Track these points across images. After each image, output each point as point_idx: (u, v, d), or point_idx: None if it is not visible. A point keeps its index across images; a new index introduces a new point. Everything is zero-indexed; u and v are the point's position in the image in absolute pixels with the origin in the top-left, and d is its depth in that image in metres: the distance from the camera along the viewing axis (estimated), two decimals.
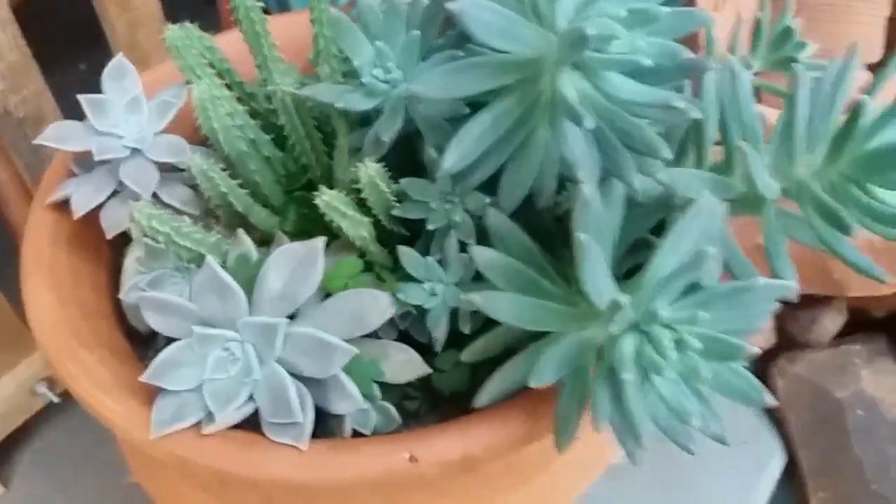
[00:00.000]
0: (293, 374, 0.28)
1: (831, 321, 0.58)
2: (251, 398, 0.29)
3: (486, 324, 0.32)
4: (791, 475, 0.60)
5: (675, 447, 0.62)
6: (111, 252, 0.38)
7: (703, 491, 0.58)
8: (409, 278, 0.31)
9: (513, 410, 0.29)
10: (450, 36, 0.32)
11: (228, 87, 0.38)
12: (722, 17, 0.59)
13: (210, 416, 0.28)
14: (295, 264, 0.29)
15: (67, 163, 0.38)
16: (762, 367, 0.62)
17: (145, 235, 0.32)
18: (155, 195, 0.35)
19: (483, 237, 0.30)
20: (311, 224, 0.37)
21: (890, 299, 0.58)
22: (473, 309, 0.31)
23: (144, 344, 0.36)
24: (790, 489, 0.61)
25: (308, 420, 0.28)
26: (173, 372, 0.28)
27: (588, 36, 0.22)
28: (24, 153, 0.47)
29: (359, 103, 0.30)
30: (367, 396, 0.30)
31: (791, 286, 0.26)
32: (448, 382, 0.32)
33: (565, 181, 0.33)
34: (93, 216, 0.36)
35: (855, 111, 0.25)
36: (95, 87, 0.36)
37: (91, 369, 0.30)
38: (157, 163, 0.35)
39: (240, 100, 0.39)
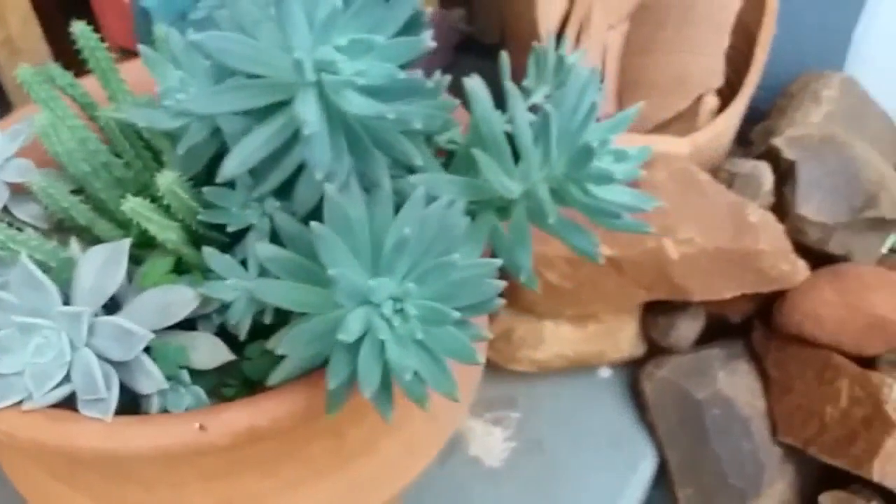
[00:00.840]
0: (103, 358, 0.33)
1: (687, 327, 0.62)
2: (68, 379, 0.33)
3: (293, 316, 0.37)
4: (664, 475, 0.64)
5: (553, 454, 0.66)
6: None
7: (577, 492, 0.62)
8: (217, 278, 0.36)
9: (298, 387, 0.33)
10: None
11: (91, 118, 0.44)
12: (588, 38, 0.65)
13: (30, 395, 0.32)
14: (102, 262, 0.33)
15: None
16: (635, 373, 0.67)
17: None
18: (8, 211, 0.39)
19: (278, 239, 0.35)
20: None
21: (742, 305, 0.63)
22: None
23: None
24: (663, 488, 0.64)
25: (112, 396, 0.32)
26: (0, 357, 0.33)
27: (301, 62, 0.28)
28: None
29: (162, 122, 0.35)
30: (175, 379, 0.35)
31: (494, 263, 0.30)
32: (256, 369, 0.37)
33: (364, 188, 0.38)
34: None
35: (542, 119, 0.30)
36: None
37: None
38: (9, 183, 0.39)
39: (102, 129, 0.44)
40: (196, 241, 0.37)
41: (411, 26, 0.33)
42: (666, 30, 0.67)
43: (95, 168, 0.41)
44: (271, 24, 0.31)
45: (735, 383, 0.61)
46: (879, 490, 0.55)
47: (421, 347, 0.29)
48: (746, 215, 0.57)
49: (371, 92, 0.31)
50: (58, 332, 0.33)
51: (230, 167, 0.33)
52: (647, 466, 0.64)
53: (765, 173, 0.61)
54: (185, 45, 0.36)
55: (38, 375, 0.32)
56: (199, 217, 0.36)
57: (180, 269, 0.36)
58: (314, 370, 0.34)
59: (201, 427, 0.32)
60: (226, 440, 0.32)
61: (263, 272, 0.36)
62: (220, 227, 0.38)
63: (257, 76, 0.32)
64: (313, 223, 0.29)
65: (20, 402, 0.33)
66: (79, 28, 0.41)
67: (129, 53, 0.63)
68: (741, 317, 0.64)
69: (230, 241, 0.38)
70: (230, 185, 0.36)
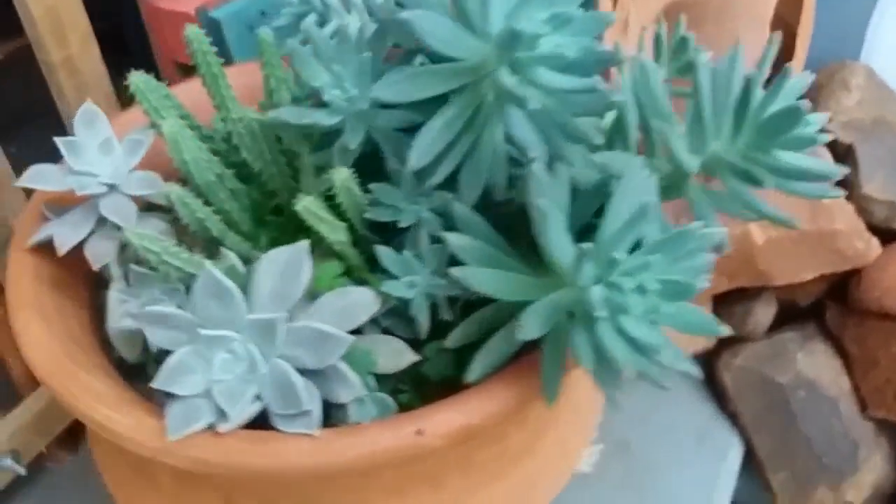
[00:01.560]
0: (297, 368, 0.30)
1: (763, 313, 0.63)
2: (258, 396, 0.30)
3: (464, 313, 0.35)
4: (751, 462, 0.64)
5: (641, 453, 0.65)
6: (88, 293, 0.40)
7: (669, 489, 0.61)
8: (387, 277, 0.34)
9: (500, 382, 0.32)
10: (396, 59, 0.36)
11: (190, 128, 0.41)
12: (627, 40, 0.66)
13: (223, 416, 0.30)
14: (282, 267, 0.31)
15: (40, 209, 0.39)
16: (709, 365, 0.67)
17: (136, 262, 0.34)
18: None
19: (448, 230, 0.33)
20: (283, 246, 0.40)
21: (812, 287, 0.64)
22: (452, 294, 0.34)
23: (131, 373, 0.37)
24: (751, 475, 0.64)
25: (316, 408, 0.30)
26: (182, 377, 0.30)
27: (521, 33, 0.27)
28: None
29: (324, 119, 0.33)
30: (364, 387, 0.33)
31: (722, 231, 0.29)
32: (435, 369, 0.35)
33: (513, 179, 0.37)
34: (69, 260, 0.38)
35: (746, 86, 0.30)
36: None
37: (93, 388, 0.31)
38: (132, 197, 0.37)
39: (205, 139, 0.42)
40: (358, 242, 0.35)
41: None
42: (706, 25, 0.69)
43: (218, 177, 0.39)
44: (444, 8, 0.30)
45: (815, 364, 0.62)
46: None
47: (655, 324, 0.28)
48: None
49: (567, 67, 0.30)
50: (245, 343, 0.30)
51: (416, 157, 0.31)
52: (734, 455, 0.63)
53: (825, 155, 0.62)
54: (337, 41, 0.34)
55: (228, 393, 0.30)
56: (366, 215, 0.34)
57: (351, 274, 0.34)
58: (503, 366, 0.33)
59: (418, 431, 0.30)
60: (442, 442, 0.30)
61: (439, 266, 0.34)
62: (377, 227, 0.36)
63: (440, 61, 0.31)
64: (539, 200, 0.28)
65: (210, 426, 0.30)
66: (192, 31, 0.39)
67: (186, 69, 0.61)
68: (810, 299, 0.65)
69: (384, 241, 0.36)
70: (392, 182, 0.35)
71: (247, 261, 0.36)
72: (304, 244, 0.32)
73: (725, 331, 0.30)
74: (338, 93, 0.34)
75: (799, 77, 0.34)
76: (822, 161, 0.33)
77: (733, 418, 0.64)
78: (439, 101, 0.32)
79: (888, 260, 0.59)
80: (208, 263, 0.30)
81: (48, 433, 0.55)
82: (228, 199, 0.39)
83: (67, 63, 0.51)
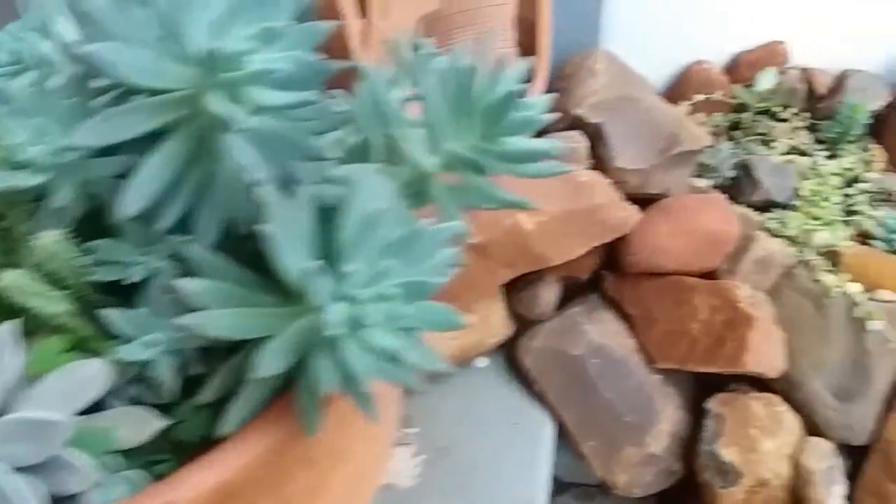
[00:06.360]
0: (14, 469, 0.26)
1: (548, 293, 0.66)
2: None
3: (218, 363, 0.32)
4: (563, 437, 0.66)
5: (461, 455, 0.64)
6: None
7: (495, 482, 0.62)
8: (123, 341, 0.31)
9: (255, 428, 0.30)
10: (109, 99, 0.32)
11: None
12: (371, 51, 0.66)
13: None
14: None
15: None
16: (511, 352, 0.69)
17: None
18: None
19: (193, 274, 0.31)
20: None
21: (587, 261, 0.68)
22: (204, 346, 0.31)
23: None
24: (565, 449, 0.67)
25: None
26: None
27: (221, 53, 0.25)
28: None
29: (26, 179, 0.29)
30: (105, 468, 0.29)
31: (459, 225, 0.29)
32: (192, 430, 0.32)
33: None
34: None
35: (465, 80, 0.30)
36: None
37: None
38: None
39: None
40: (87, 309, 0.31)
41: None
42: (458, 32, 0.71)
43: None
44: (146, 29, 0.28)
45: (603, 331, 0.66)
46: (749, 380, 0.63)
47: (401, 328, 0.28)
48: (576, 177, 0.62)
49: (284, 83, 0.28)
50: None
51: (130, 201, 0.28)
52: (547, 434, 0.65)
53: (579, 139, 0.66)
54: (34, 93, 0.30)
55: None
56: (93, 278, 0.31)
57: (81, 346, 0.30)
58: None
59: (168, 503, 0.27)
60: None
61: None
62: (109, 289, 0.32)
63: (146, 94, 0.28)
64: (267, 226, 0.26)
65: None
66: None
67: None
68: (589, 273, 0.69)
69: (120, 302, 0.33)
70: (114, 236, 0.31)
71: None
72: (6, 326, 0.27)
73: (465, 322, 0.29)
74: (41, 148, 0.30)
75: (519, 64, 0.35)
76: (547, 140, 0.35)
77: (540, 398, 0.66)
78: (157, 139, 0.30)
79: (647, 222, 0.64)
80: None
81: None
82: None
83: None
